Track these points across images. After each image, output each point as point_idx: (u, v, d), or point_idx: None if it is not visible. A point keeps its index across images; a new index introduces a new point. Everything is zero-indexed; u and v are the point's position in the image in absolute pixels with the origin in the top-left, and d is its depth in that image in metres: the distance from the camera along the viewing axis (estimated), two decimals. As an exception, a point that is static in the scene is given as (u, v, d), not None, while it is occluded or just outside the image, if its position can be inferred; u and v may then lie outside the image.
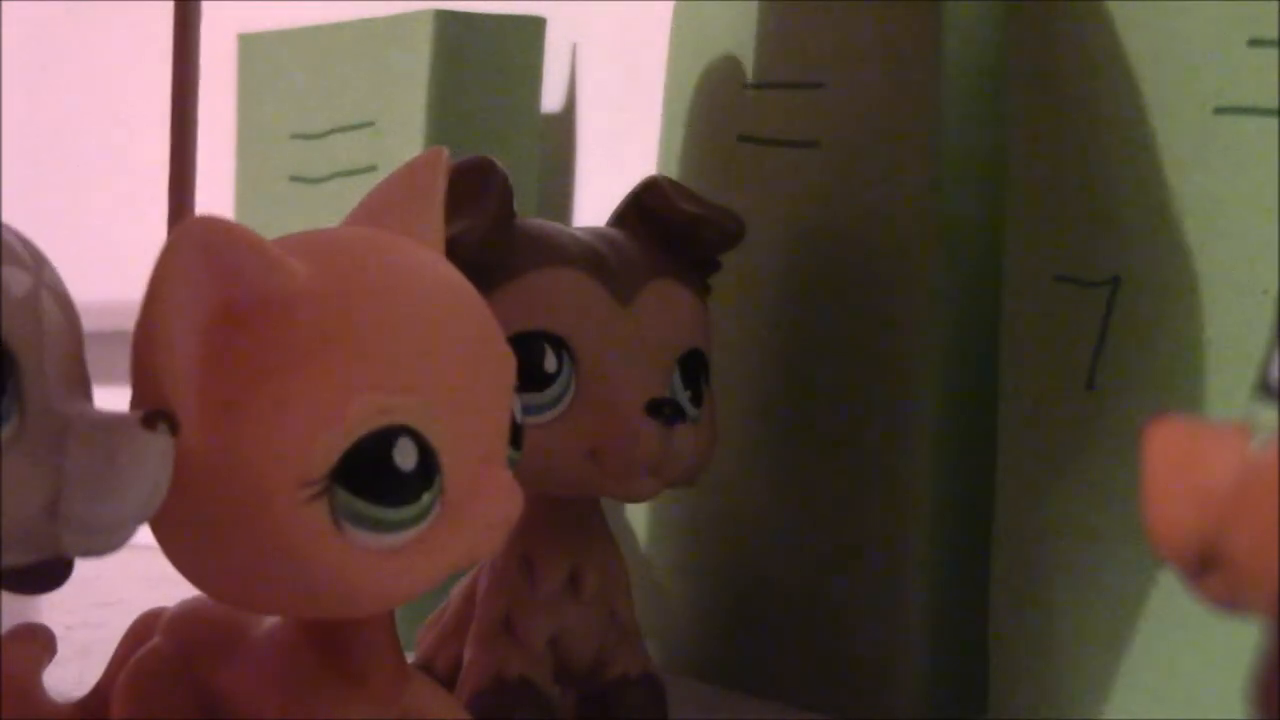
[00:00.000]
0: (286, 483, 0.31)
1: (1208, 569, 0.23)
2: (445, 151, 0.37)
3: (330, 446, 0.31)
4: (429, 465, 0.32)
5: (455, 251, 0.38)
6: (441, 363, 0.32)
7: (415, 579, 0.32)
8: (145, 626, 0.38)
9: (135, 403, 0.32)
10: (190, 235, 0.30)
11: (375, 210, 0.36)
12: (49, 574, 0.29)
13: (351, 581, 0.31)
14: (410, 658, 0.48)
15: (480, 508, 0.32)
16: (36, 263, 0.30)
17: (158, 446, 0.29)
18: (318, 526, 0.31)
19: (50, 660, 0.37)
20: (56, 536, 0.28)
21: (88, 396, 0.31)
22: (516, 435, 0.35)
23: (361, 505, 0.31)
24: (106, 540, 0.29)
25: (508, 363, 0.34)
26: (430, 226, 0.35)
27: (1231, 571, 0.23)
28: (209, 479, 0.30)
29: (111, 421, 0.29)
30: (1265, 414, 0.24)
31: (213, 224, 0.30)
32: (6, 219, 0.30)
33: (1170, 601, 0.41)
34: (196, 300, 0.31)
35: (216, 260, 0.30)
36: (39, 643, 0.36)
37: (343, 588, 0.31)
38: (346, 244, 0.34)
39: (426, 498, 0.32)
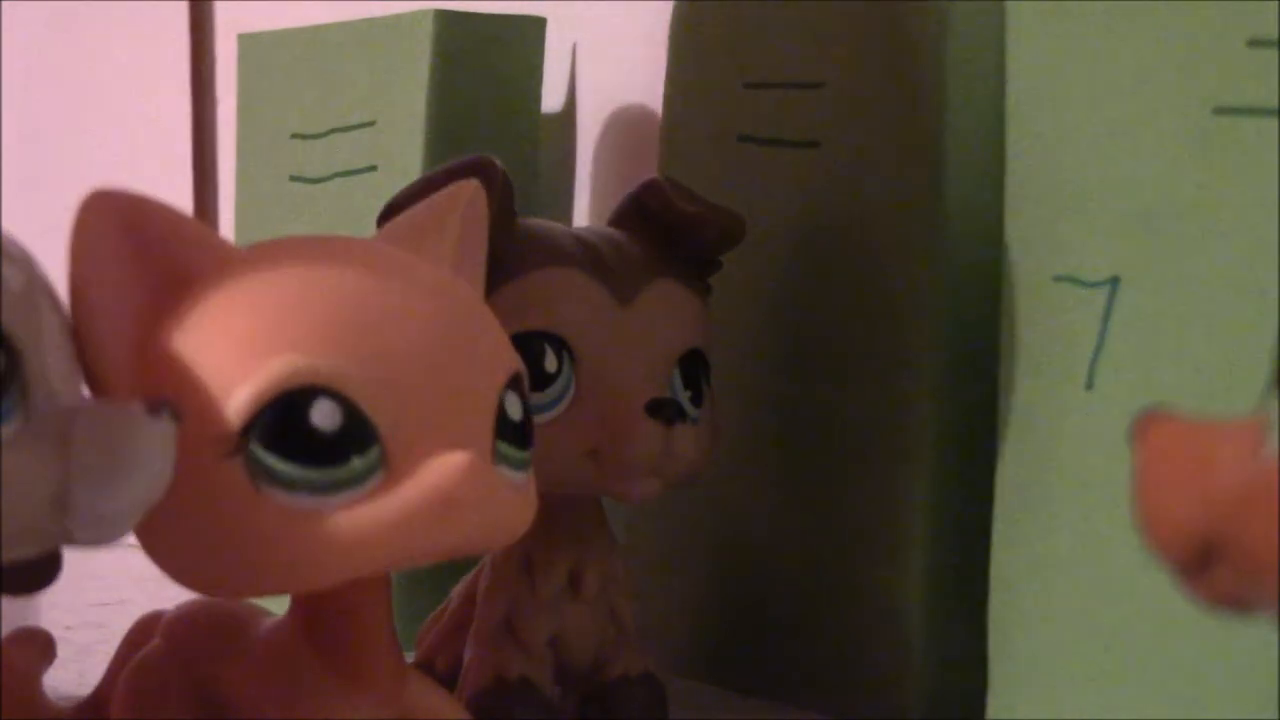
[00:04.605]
0: (202, 439, 0.31)
1: (1207, 567, 0.23)
2: (473, 183, 0.37)
3: (242, 403, 0.31)
4: (361, 430, 0.31)
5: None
6: (391, 338, 0.32)
7: (351, 550, 0.31)
8: (144, 629, 0.38)
9: (86, 378, 0.32)
10: (105, 210, 0.31)
11: (392, 233, 0.36)
12: (41, 571, 0.29)
13: (275, 546, 0.31)
14: (410, 658, 0.48)
15: (430, 481, 0.32)
16: (26, 259, 0.30)
17: (161, 433, 0.29)
18: (233, 485, 0.31)
19: (50, 664, 0.37)
20: (63, 528, 0.28)
21: (82, 389, 0.31)
22: (519, 432, 0.34)
23: (277, 462, 0.31)
24: (111, 530, 0.29)
25: (494, 359, 0.34)
26: (438, 246, 0.36)
27: (1239, 569, 0.23)
28: None
29: (115, 411, 0.29)
30: (1277, 408, 0.24)
31: (125, 199, 0.31)
32: (19, 221, 0.31)
33: (1170, 602, 0.40)
34: (118, 275, 0.31)
35: (134, 235, 0.31)
36: (38, 647, 0.36)
37: (266, 552, 0.31)
38: (317, 238, 0.35)
39: (358, 463, 0.31)
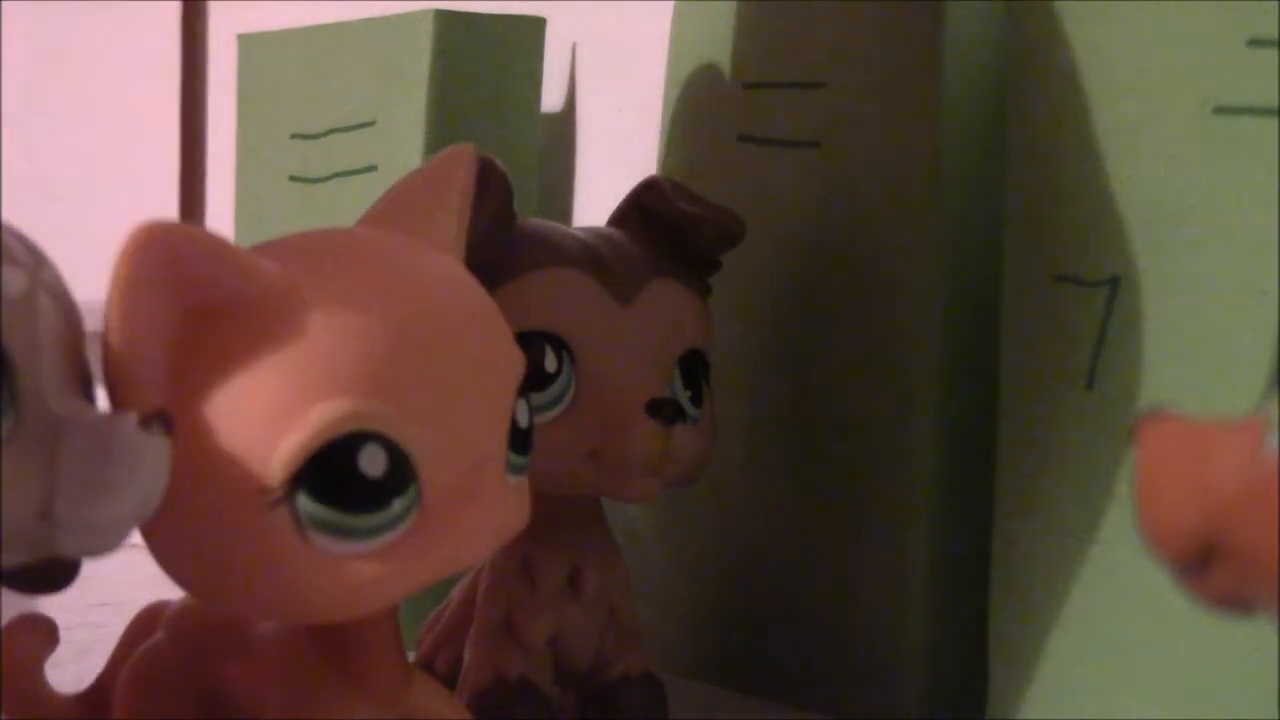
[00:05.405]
0: (246, 489, 0.30)
1: (1207, 566, 0.23)
2: (469, 148, 0.36)
3: (290, 453, 0.30)
4: (402, 472, 0.31)
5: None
6: (424, 368, 0.31)
7: (388, 586, 0.31)
8: (148, 620, 0.37)
9: (113, 406, 0.31)
10: (148, 243, 0.30)
11: (393, 208, 0.36)
12: (55, 574, 0.29)
13: (318, 587, 0.31)
14: (410, 658, 0.48)
15: (464, 517, 0.32)
16: (35, 262, 0.30)
17: (153, 447, 0.29)
18: (279, 533, 0.30)
19: (52, 650, 0.36)
20: (52, 537, 0.28)
21: (89, 397, 0.31)
22: (525, 440, 0.34)
23: (324, 511, 0.30)
24: (102, 541, 0.29)
25: (509, 367, 0.34)
26: (443, 225, 0.35)
27: (1239, 568, 0.23)
28: (176, 483, 0.30)
29: (107, 422, 0.29)
30: (1276, 408, 0.24)
31: (171, 231, 0.30)
32: (12, 219, 0.30)
33: (1170, 602, 0.40)
34: (159, 308, 0.30)
35: (178, 268, 0.30)
36: (40, 632, 0.36)
37: (309, 593, 0.31)
38: (336, 246, 0.34)
39: (398, 505, 0.31)
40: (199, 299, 0.30)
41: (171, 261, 0.30)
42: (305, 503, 0.30)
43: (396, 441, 0.31)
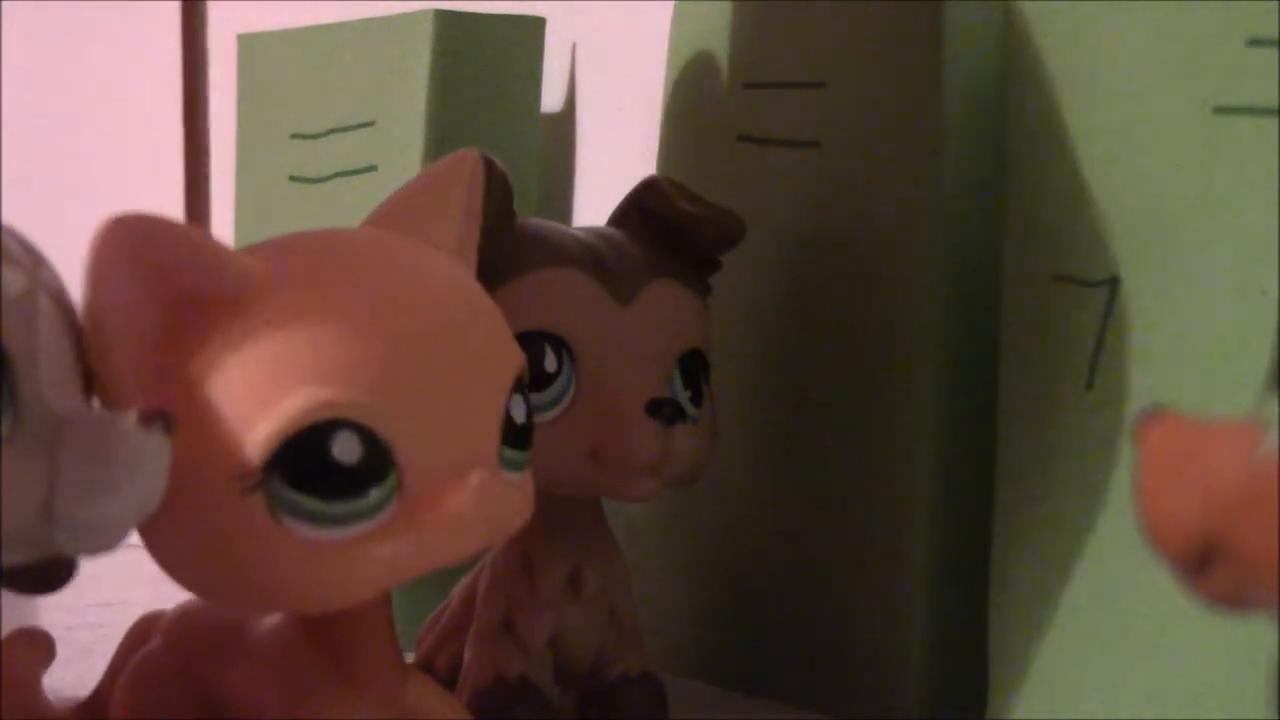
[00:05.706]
0: (221, 474, 0.31)
1: (1207, 565, 0.23)
2: (474, 154, 0.37)
3: (264, 438, 0.31)
4: (380, 461, 0.31)
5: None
6: (408, 360, 0.32)
7: (368, 575, 0.32)
8: (144, 629, 0.38)
9: (102, 400, 0.32)
10: (116, 234, 0.30)
11: (395, 211, 0.36)
12: (52, 574, 0.29)
13: (295, 574, 0.31)
14: (410, 658, 0.48)
15: (447, 510, 0.32)
16: (35, 262, 0.30)
17: (153, 445, 0.29)
18: (253, 518, 0.31)
19: (49, 664, 0.36)
20: (52, 536, 0.28)
21: (88, 396, 0.31)
22: (522, 435, 0.34)
23: (299, 497, 0.31)
24: (102, 539, 0.29)
25: (501, 360, 0.34)
26: (444, 229, 0.35)
27: (1239, 567, 0.23)
28: None
29: (107, 420, 0.29)
30: (1275, 407, 0.24)
31: (140, 222, 0.30)
32: (13, 220, 0.30)
33: (1170, 601, 0.40)
34: (130, 298, 0.31)
35: (148, 258, 0.31)
36: (38, 647, 0.36)
37: (288, 580, 0.31)
38: (324, 242, 0.34)
39: (375, 494, 0.31)
40: (172, 289, 0.31)
41: (141, 251, 0.30)
42: (280, 488, 0.31)
43: (374, 430, 0.31)
